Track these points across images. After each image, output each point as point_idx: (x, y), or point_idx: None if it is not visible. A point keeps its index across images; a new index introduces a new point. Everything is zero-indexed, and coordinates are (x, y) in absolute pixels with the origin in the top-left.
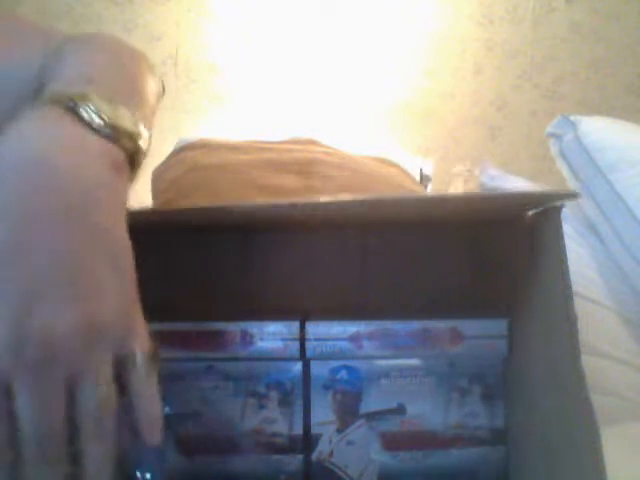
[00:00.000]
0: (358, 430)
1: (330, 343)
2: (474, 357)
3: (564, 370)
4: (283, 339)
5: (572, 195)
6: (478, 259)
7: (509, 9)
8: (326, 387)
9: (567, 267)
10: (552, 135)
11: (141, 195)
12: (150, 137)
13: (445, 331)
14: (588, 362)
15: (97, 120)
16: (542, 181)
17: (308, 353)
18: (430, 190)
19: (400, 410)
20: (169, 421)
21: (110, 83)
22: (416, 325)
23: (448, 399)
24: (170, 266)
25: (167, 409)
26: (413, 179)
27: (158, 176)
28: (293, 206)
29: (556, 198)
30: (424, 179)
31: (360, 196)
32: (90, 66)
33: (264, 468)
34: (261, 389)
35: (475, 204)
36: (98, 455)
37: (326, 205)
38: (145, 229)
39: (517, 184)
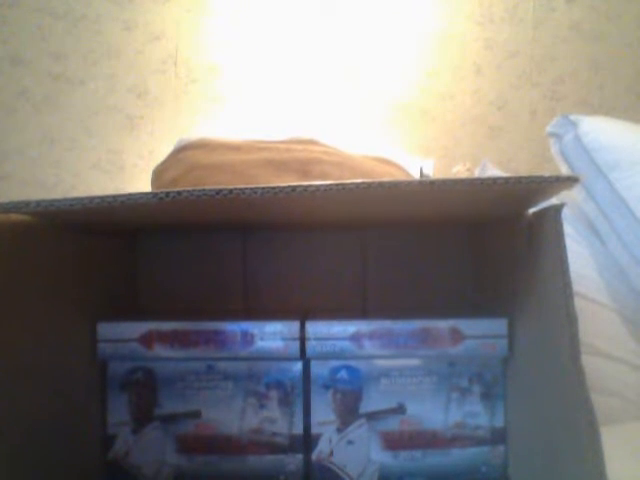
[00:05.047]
0: (358, 430)
1: (330, 343)
2: (474, 357)
3: (564, 370)
4: (283, 339)
5: (572, 179)
6: (478, 259)
7: (509, 9)
8: (326, 387)
9: (567, 267)
10: (552, 135)
11: None
12: None
13: (445, 331)
14: (588, 362)
15: None
16: None
17: (308, 353)
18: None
19: (400, 410)
20: (169, 421)
21: None
22: (416, 325)
23: (448, 399)
24: (170, 266)
25: (167, 409)
26: (413, 178)
27: (158, 176)
28: (292, 188)
29: (554, 181)
30: (424, 178)
31: (358, 180)
32: None
33: (264, 468)
34: (261, 389)
35: (474, 187)
36: None
37: (326, 187)
38: (145, 229)
39: None
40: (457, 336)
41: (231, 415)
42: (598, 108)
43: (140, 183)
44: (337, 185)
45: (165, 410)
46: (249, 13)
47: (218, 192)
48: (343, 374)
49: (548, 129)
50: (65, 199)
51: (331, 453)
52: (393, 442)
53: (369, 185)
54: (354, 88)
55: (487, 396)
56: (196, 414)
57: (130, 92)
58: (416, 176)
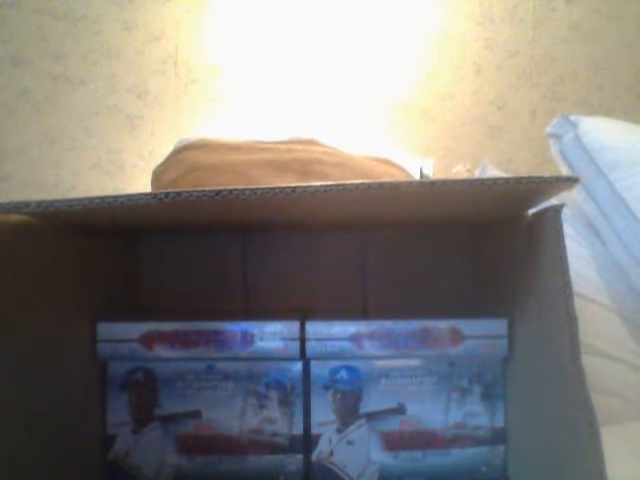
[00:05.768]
0: (358, 430)
1: (330, 343)
2: (474, 357)
3: (564, 370)
4: (283, 339)
5: (572, 179)
6: (478, 259)
7: (509, 9)
8: (326, 387)
9: (567, 267)
10: (552, 135)
11: None
12: None
13: (445, 331)
14: (588, 362)
15: None
16: None
17: (308, 353)
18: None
19: (400, 410)
20: (169, 421)
21: None
22: (416, 325)
23: (448, 399)
24: (170, 266)
25: (167, 409)
26: (413, 179)
27: (158, 176)
28: (292, 189)
29: (554, 182)
30: (424, 179)
31: (358, 181)
32: None
33: (264, 468)
34: (261, 389)
35: (474, 187)
36: None
37: (326, 188)
38: (145, 229)
39: None
40: (457, 336)
41: (231, 415)
42: (598, 108)
43: (140, 183)
44: (337, 186)
45: (165, 410)
46: (249, 13)
47: (218, 193)
48: (343, 374)
49: (548, 130)
50: (65, 199)
51: (331, 453)
52: (393, 442)
53: (369, 186)
54: (354, 88)
55: (487, 396)
56: (196, 414)
57: (130, 92)
58: (416, 176)
